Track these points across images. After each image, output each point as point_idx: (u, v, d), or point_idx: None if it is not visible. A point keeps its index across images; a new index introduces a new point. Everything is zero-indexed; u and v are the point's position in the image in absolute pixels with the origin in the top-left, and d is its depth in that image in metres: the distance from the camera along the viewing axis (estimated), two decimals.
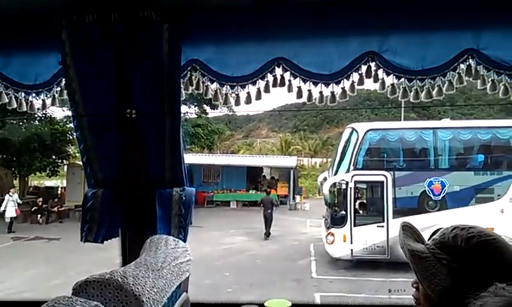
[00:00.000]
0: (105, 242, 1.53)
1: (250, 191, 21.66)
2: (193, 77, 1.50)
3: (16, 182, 19.58)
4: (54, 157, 19.03)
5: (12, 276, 9.47)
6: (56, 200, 18.27)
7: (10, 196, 15.63)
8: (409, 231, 1.04)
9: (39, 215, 16.99)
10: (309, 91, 1.47)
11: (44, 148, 17.97)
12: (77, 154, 20.16)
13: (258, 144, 39.86)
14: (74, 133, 1.50)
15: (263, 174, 23.62)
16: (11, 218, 15.26)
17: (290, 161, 23.25)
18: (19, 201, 16.10)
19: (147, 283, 0.97)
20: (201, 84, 1.50)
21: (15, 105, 1.50)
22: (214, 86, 1.49)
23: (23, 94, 1.52)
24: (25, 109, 1.53)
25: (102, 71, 1.42)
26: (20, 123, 17.06)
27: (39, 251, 12.70)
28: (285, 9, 1.45)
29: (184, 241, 1.40)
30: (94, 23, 1.40)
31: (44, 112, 17.37)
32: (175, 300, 1.14)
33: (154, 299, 0.95)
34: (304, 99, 1.48)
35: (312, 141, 38.57)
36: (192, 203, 1.51)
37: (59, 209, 17.40)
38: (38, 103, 1.58)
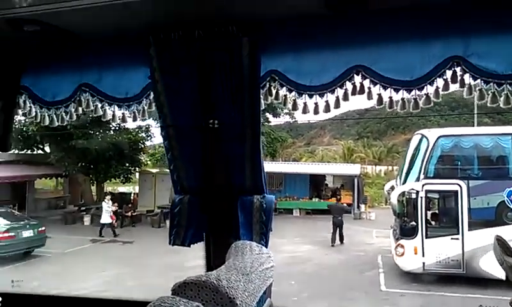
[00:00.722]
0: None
1: (313, 199, 21.45)
2: (272, 87, 1.53)
3: (93, 188, 21.01)
4: (127, 164, 20.18)
5: (92, 276, 10.19)
6: (129, 205, 19.37)
7: (106, 202, 16.65)
8: (502, 245, 0.98)
9: (114, 220, 18.07)
10: (390, 97, 1.45)
11: (118, 156, 19.15)
12: (148, 162, 21.33)
13: (320, 152, 39.37)
14: (162, 142, 1.61)
15: (325, 182, 23.31)
16: (105, 224, 16.18)
17: (353, 169, 22.70)
18: (113, 208, 17.02)
19: (239, 286, 1.01)
20: (280, 94, 1.53)
21: (108, 117, 1.63)
22: (293, 95, 1.51)
23: (115, 107, 1.64)
24: (118, 121, 1.66)
25: (187, 84, 1.50)
26: (97, 133, 18.34)
27: (115, 253, 13.54)
28: (362, 16, 1.45)
29: (266, 247, 1.43)
30: (179, 40, 1.48)
31: (118, 122, 18.58)
32: (261, 305, 1.17)
33: (246, 303, 0.99)
34: (386, 106, 1.46)
35: (375, 148, 37.34)
36: (273, 210, 1.54)
37: (132, 214, 18.42)
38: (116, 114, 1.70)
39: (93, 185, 20.92)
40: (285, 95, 1.52)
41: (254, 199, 1.53)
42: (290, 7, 1.38)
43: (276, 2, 1.36)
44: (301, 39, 1.49)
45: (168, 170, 1.65)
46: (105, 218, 16.27)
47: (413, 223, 9.72)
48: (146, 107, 1.63)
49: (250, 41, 1.45)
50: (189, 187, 1.61)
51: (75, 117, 1.70)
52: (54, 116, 1.70)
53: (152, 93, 1.59)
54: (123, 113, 1.66)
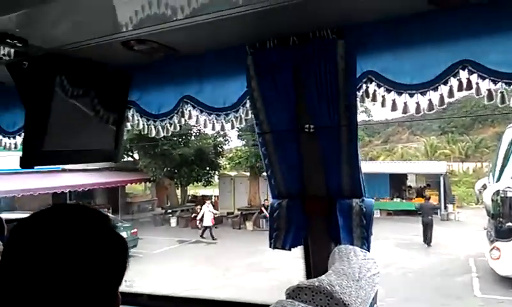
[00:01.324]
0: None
1: (394, 199, 20.57)
2: (369, 89, 1.50)
3: (178, 192, 22.15)
4: (207, 168, 21.00)
5: (183, 275, 10.77)
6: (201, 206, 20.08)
7: (207, 206, 17.61)
8: None
9: (198, 221, 18.88)
10: (501, 93, 1.35)
11: (200, 160, 20.00)
12: (227, 165, 21.99)
13: (400, 150, 37.64)
14: (259, 149, 1.65)
15: (407, 181, 22.22)
16: (205, 226, 17.03)
17: (438, 167, 21.36)
18: (214, 211, 17.91)
19: (352, 292, 1.00)
20: (377, 95, 1.49)
21: (209, 127, 1.72)
22: (392, 95, 1.47)
23: (214, 117, 1.72)
24: (217, 130, 1.74)
25: (283, 90, 1.53)
26: (180, 140, 19.34)
27: (200, 253, 14.14)
28: (463, 9, 1.36)
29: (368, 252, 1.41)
30: (274, 48, 1.52)
31: (198, 128, 19.47)
32: None
33: None
34: (497, 102, 1.36)
35: (462, 144, 34.77)
36: (373, 214, 1.51)
37: (215, 216, 19.09)
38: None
39: (177, 189, 22.05)
40: (383, 96, 1.48)
41: (353, 203, 1.51)
42: (388, 6, 1.35)
43: (373, 3, 1.33)
44: (399, 37, 1.44)
45: (266, 175, 1.69)
46: (207, 221, 17.03)
47: (510, 224, 8.90)
48: (243, 115, 1.69)
49: (346, 44, 1.44)
50: (287, 192, 1.63)
51: (178, 127, 1.81)
52: (160, 127, 1.83)
53: (248, 101, 1.65)
54: (222, 122, 1.72)
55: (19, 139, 2.15)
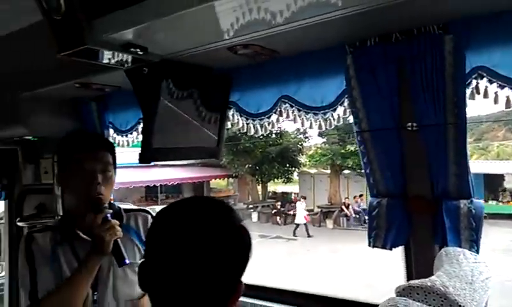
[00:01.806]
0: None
1: (489, 201, 18.95)
2: (479, 85, 1.43)
3: (258, 188, 22.62)
4: (287, 165, 21.16)
5: (266, 269, 11.00)
6: (291, 204, 20.24)
7: (300, 203, 17.77)
8: None
9: (278, 217, 19.15)
10: None
11: (280, 157, 20.21)
12: (308, 163, 21.93)
13: (496, 148, 34.46)
14: (358, 148, 1.65)
15: (504, 182, 20.32)
16: (297, 224, 17.14)
17: None
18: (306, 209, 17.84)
19: (466, 295, 0.98)
20: (489, 91, 1.41)
21: (306, 126, 1.76)
22: (506, 92, 1.38)
23: (312, 116, 1.76)
24: (314, 128, 1.78)
25: (384, 88, 1.52)
26: (261, 137, 19.71)
27: (280, 249, 14.34)
28: None
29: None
30: (376, 45, 1.51)
31: (278, 126, 19.67)
32: None
33: None
34: None
35: None
36: (482, 216, 1.44)
37: (294, 212, 19.19)
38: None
39: (258, 185, 22.52)
40: (496, 92, 1.40)
41: (461, 204, 1.45)
42: None
43: None
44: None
45: (364, 172, 1.69)
46: (300, 218, 17.13)
47: None
48: (341, 114, 1.70)
49: (453, 39, 1.39)
50: (387, 190, 1.62)
51: (276, 126, 1.88)
52: (258, 126, 1.91)
53: (346, 99, 1.66)
54: (319, 120, 1.75)
55: (130, 137, 2.38)
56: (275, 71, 1.79)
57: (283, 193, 24.05)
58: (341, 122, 1.72)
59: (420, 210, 1.56)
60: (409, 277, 1.61)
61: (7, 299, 3.20)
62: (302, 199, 18.13)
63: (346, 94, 1.64)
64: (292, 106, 1.79)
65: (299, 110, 1.78)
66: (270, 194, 24.07)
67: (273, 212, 19.93)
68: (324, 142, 21.21)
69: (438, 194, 1.50)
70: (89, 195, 1.64)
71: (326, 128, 1.74)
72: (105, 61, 1.52)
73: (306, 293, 2.05)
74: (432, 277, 1.04)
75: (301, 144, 21.96)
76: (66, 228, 1.74)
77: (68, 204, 1.78)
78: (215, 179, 21.98)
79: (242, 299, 2.01)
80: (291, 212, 20.04)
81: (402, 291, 1.00)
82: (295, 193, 23.38)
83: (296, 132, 21.50)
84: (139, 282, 0.95)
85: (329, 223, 19.11)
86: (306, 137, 21.92)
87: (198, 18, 1.33)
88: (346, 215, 19.22)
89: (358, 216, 19.22)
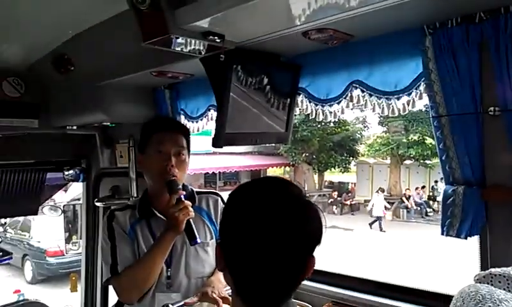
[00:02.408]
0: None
1: None
2: None
3: (315, 177, 22.48)
4: (345, 155, 20.80)
5: (322, 258, 10.98)
6: (348, 194, 19.95)
7: (377, 195, 17.04)
8: None
9: (334, 207, 18.94)
10: None
11: (338, 146, 19.91)
12: (367, 152, 21.40)
13: None
14: (435, 134, 1.59)
15: None
16: (377, 217, 16.47)
17: None
18: (387, 205, 16.92)
19: None
20: None
21: (385, 112, 1.73)
22: None
23: (384, 100, 1.73)
24: (386, 113, 1.75)
25: (465, 71, 1.46)
26: (319, 126, 19.51)
27: (336, 238, 14.18)
28: None
29: None
30: (457, 26, 1.45)
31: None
32: None
33: None
34: None
35: None
36: None
37: (351, 202, 18.90)
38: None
39: (315, 174, 22.38)
40: None
41: None
42: None
43: None
44: None
45: (439, 160, 1.63)
46: (378, 211, 16.40)
47: None
48: (416, 98, 1.65)
49: None
50: (464, 178, 1.56)
51: (345, 112, 1.87)
52: (328, 112, 1.91)
53: (422, 83, 1.61)
54: (392, 105, 1.72)
55: (201, 124, 2.47)
56: (347, 56, 1.77)
57: (339, 183, 23.71)
58: (415, 107, 1.67)
59: (499, 199, 1.49)
60: (484, 268, 1.54)
61: (83, 274, 3.48)
62: (380, 192, 17.37)
63: (422, 78, 1.59)
64: (363, 91, 1.77)
65: (370, 96, 1.76)
66: (326, 183, 23.83)
67: (329, 201, 19.74)
68: (384, 132, 20.55)
69: None
70: (164, 176, 1.75)
71: (399, 114, 1.70)
72: (184, 49, 1.60)
73: (375, 281, 2.04)
74: None
75: (360, 133, 21.47)
76: (144, 206, 1.86)
77: (147, 184, 1.90)
78: (272, 167, 22.14)
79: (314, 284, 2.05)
80: (348, 202, 19.74)
81: (482, 279, 0.97)
82: (352, 183, 22.96)
83: (354, 121, 21.05)
84: (217, 260, 1.00)
85: (388, 214, 18.58)
86: (365, 126, 21.40)
87: (274, 4, 1.36)
88: (407, 207, 18.57)
89: (419, 208, 18.51)
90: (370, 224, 16.41)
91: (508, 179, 1.47)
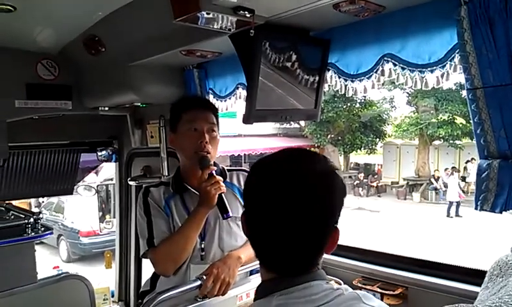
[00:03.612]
0: None
1: None
2: None
3: (341, 159, 22.28)
4: (371, 136, 20.49)
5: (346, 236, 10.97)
6: (374, 176, 19.72)
7: (454, 177, 15.35)
8: None
9: (360, 189, 18.79)
10: None
11: (363, 128, 19.62)
12: (394, 133, 21.01)
13: None
14: (469, 107, 1.56)
15: None
16: (451, 201, 14.96)
17: None
18: (461, 184, 15.21)
19: None
20: None
21: (418, 86, 1.70)
22: None
23: (417, 74, 1.70)
24: (419, 87, 1.72)
25: (502, 41, 1.41)
26: (344, 106, 19.25)
27: (362, 220, 14.12)
28: None
29: None
30: None
31: (364, 95, 19.03)
32: None
33: None
34: None
35: None
36: None
37: (378, 184, 18.70)
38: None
39: (340, 156, 22.19)
40: None
41: None
42: None
43: None
44: None
45: (474, 134, 1.60)
46: (452, 195, 14.94)
47: None
48: (450, 71, 1.62)
49: None
50: (499, 151, 1.52)
51: (376, 87, 1.85)
52: (357, 87, 1.89)
53: (456, 55, 1.57)
54: (425, 78, 1.69)
55: (229, 102, 2.49)
56: (378, 28, 1.74)
57: (365, 164, 23.44)
58: (448, 80, 1.64)
59: None
60: None
61: (118, 251, 3.61)
62: (455, 172, 15.90)
63: (457, 50, 1.55)
64: (395, 64, 1.74)
65: (403, 69, 1.73)
66: (352, 165, 23.60)
67: (355, 183, 19.57)
68: (412, 112, 20.09)
69: None
70: (198, 152, 1.79)
71: (433, 87, 1.67)
72: (215, 26, 1.61)
73: (403, 256, 2.04)
74: None
75: (387, 114, 21.06)
76: (178, 182, 1.92)
77: (180, 161, 1.95)
78: None
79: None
80: (374, 184, 19.52)
81: None
82: (379, 164, 22.65)
83: (381, 101, 20.64)
84: (244, 230, 1.02)
85: (416, 196, 18.29)
86: (392, 106, 20.97)
87: None
88: (436, 189, 18.21)
89: None
90: (448, 210, 14.75)
91: None
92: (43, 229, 2.97)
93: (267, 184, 0.93)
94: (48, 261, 8.79)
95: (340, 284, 1.01)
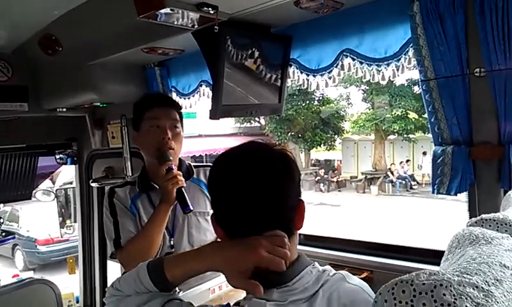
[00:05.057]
0: None
1: None
2: None
3: (302, 156, 22.62)
4: (330, 132, 20.95)
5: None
6: (335, 172, 20.18)
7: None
8: None
9: (321, 184, 19.17)
10: None
11: (323, 124, 20.02)
12: (351, 129, 21.59)
13: None
14: (423, 97, 1.65)
15: None
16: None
17: None
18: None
19: None
20: None
21: (375, 79, 1.78)
22: None
23: (374, 67, 1.78)
24: (376, 80, 1.80)
25: (452, 34, 1.51)
26: (303, 104, 19.56)
27: (325, 215, 14.44)
28: None
29: None
30: None
31: (321, 92, 19.45)
32: None
33: None
34: None
35: None
36: None
37: (338, 179, 19.15)
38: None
39: (301, 153, 22.52)
40: None
41: None
42: None
43: None
44: None
45: (428, 122, 1.70)
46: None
47: None
48: (405, 64, 1.71)
49: None
50: (452, 138, 1.63)
51: (337, 81, 1.92)
52: (319, 81, 1.95)
53: (410, 48, 1.66)
54: (382, 72, 1.77)
55: (193, 100, 2.50)
56: (337, 24, 1.81)
57: (326, 160, 23.95)
58: (404, 72, 1.73)
59: (486, 156, 1.57)
60: None
61: (81, 256, 3.51)
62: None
63: (411, 44, 1.64)
64: (354, 59, 1.82)
65: (361, 63, 1.81)
66: (313, 161, 24.04)
67: (316, 179, 19.96)
68: (368, 108, 20.75)
69: (505, 139, 1.50)
70: (160, 149, 1.79)
71: (388, 83, 1.76)
72: (178, 22, 1.62)
73: (368, 241, 2.13)
74: (502, 212, 1.07)
75: (345, 110, 21.63)
76: (144, 181, 1.90)
77: (145, 160, 1.93)
78: None
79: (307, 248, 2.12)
80: (334, 179, 19.98)
81: (474, 224, 1.03)
82: (338, 160, 23.21)
83: (338, 98, 21.16)
84: (216, 231, 1.03)
85: (374, 189, 18.92)
86: (349, 103, 21.55)
87: None
88: (392, 181, 18.93)
89: (404, 182, 18.89)
90: None
91: (494, 137, 1.54)
92: (4, 234, 2.85)
93: (228, 173, 0.96)
94: (3, 272, 8.36)
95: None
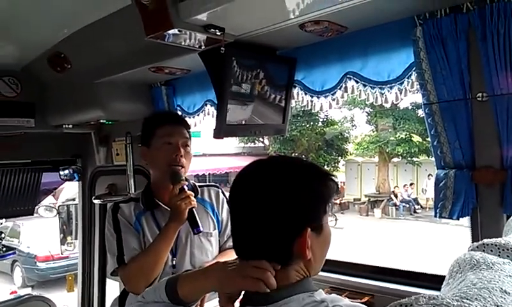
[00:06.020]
0: None
1: None
2: None
3: None
4: (334, 154, 20.95)
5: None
6: (338, 194, 20.00)
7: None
8: None
9: None
10: None
11: (327, 146, 20.05)
12: (355, 151, 21.60)
13: None
14: (426, 121, 1.67)
15: None
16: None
17: None
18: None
19: None
20: None
21: (378, 102, 1.80)
22: None
23: (377, 90, 1.80)
24: (380, 103, 1.82)
25: (454, 59, 1.53)
26: (308, 125, 19.63)
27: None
28: None
29: None
30: (446, 16, 1.52)
31: (325, 114, 19.54)
32: None
33: None
34: None
35: None
36: None
37: (341, 201, 19.03)
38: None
39: None
40: None
41: None
42: None
43: None
44: None
45: (431, 146, 1.71)
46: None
47: None
48: (408, 87, 1.73)
49: None
50: (454, 162, 1.63)
51: (341, 102, 1.94)
52: (323, 102, 1.98)
53: (414, 72, 1.68)
54: (385, 95, 1.79)
55: (198, 119, 2.52)
56: (341, 48, 1.84)
57: None
58: (407, 95, 1.75)
59: (488, 181, 1.57)
60: None
61: (80, 273, 3.49)
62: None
63: (414, 67, 1.67)
64: (357, 82, 1.84)
65: (364, 86, 1.83)
66: None
67: None
68: (372, 130, 20.79)
69: (507, 163, 1.50)
70: (171, 165, 1.79)
71: (392, 106, 1.77)
72: (186, 42, 1.65)
73: (370, 265, 2.12)
74: (505, 237, 1.07)
75: (348, 132, 21.68)
76: (148, 198, 1.90)
77: (152, 176, 1.93)
78: None
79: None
80: (337, 201, 19.85)
81: (475, 248, 1.03)
82: (341, 182, 23.12)
83: (342, 120, 21.24)
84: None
85: (377, 212, 18.77)
86: (353, 125, 21.61)
87: None
88: (395, 205, 18.80)
89: (407, 205, 18.75)
90: None
91: (496, 161, 1.55)
92: (4, 249, 2.84)
93: (233, 191, 0.99)
94: (1, 288, 8.30)
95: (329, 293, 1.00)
